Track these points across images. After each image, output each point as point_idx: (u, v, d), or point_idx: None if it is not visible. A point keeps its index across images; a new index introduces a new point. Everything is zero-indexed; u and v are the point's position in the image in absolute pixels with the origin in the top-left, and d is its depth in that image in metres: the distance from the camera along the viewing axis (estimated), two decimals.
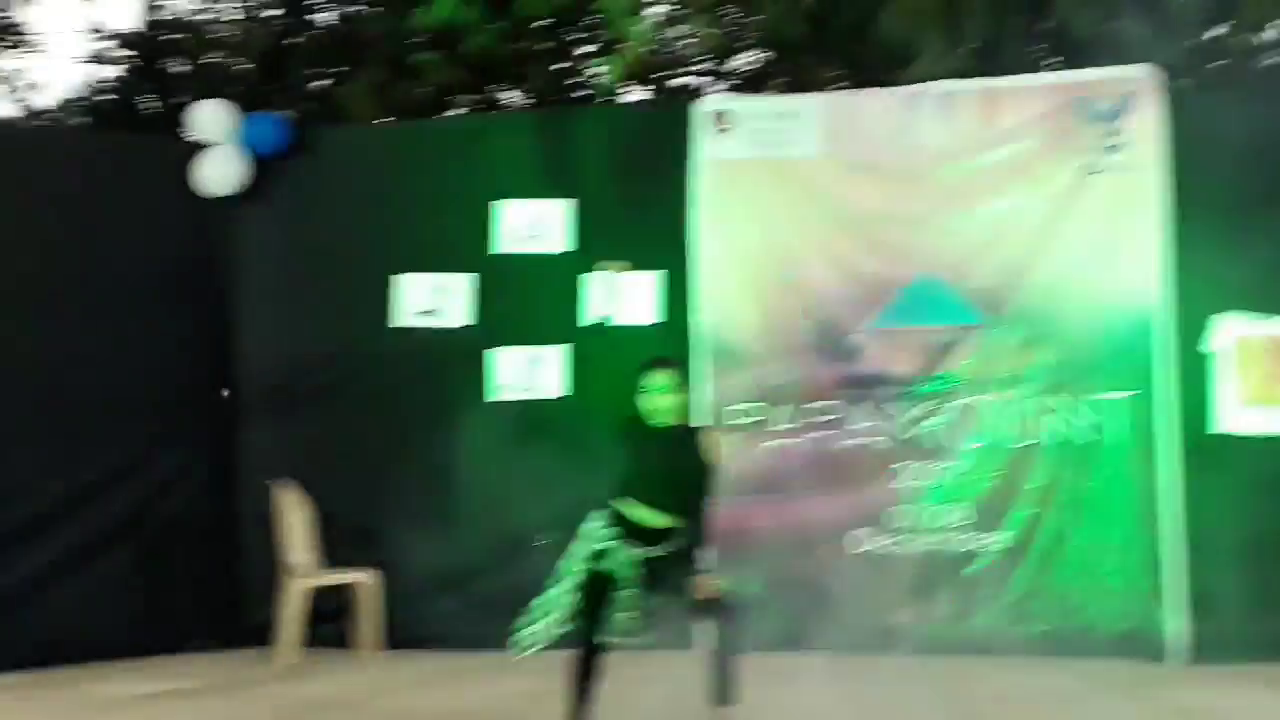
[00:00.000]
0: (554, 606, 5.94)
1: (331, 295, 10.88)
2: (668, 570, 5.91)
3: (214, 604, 10.53)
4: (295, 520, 10.00)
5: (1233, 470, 9.45)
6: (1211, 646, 9.26)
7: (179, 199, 10.70)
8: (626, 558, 5.87)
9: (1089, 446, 9.76)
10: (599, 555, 5.88)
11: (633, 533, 5.90)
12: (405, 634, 10.20)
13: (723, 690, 5.84)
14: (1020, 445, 9.87)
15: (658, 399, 6.02)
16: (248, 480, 10.82)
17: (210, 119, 10.94)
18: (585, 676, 5.87)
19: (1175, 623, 9.45)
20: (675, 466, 5.99)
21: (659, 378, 6.05)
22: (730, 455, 6.13)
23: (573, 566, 5.98)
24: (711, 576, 5.88)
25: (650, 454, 5.96)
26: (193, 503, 10.56)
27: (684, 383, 6.18)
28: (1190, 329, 9.64)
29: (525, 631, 6.02)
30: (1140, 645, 9.46)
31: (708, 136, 10.55)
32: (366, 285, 10.84)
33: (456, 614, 10.42)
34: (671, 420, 6.05)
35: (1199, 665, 9.15)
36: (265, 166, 11.07)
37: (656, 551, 5.91)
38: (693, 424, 6.25)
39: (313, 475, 10.34)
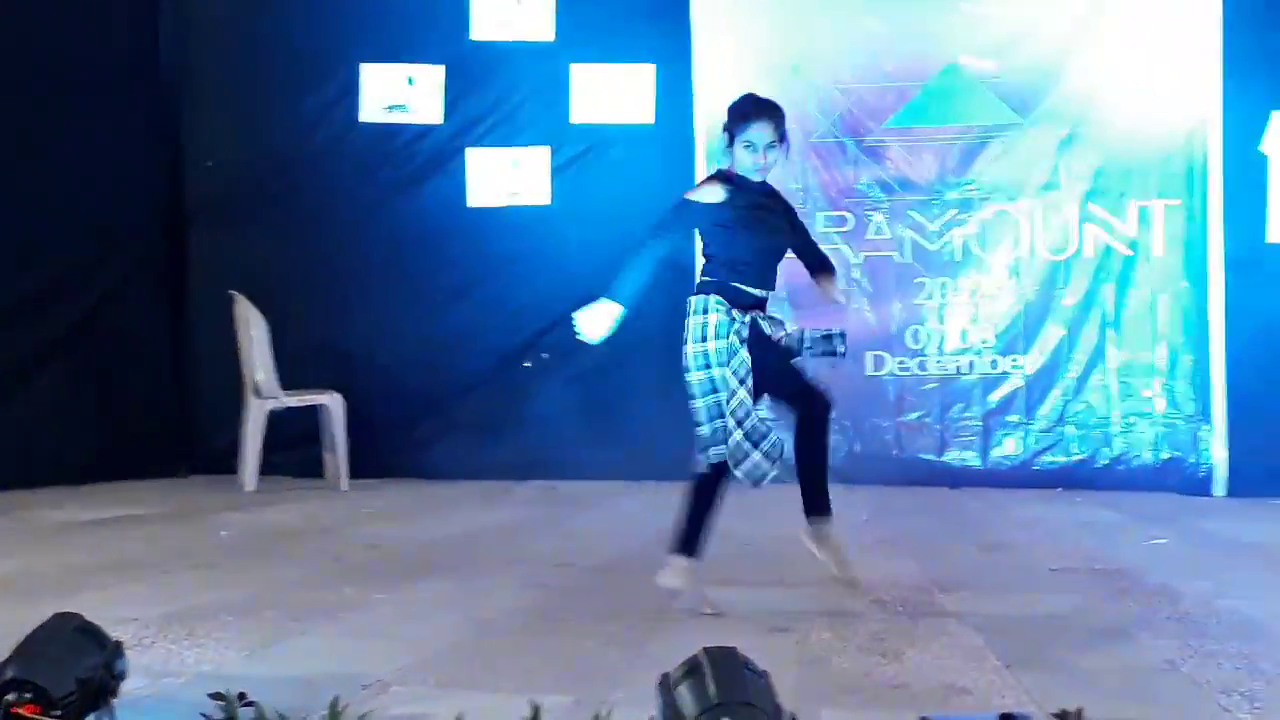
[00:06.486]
0: (756, 432, 4.76)
1: (290, 88, 10.01)
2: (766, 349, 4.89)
3: (166, 427, 9.88)
4: (256, 335, 9.13)
5: None
6: (1252, 477, 8.77)
7: None
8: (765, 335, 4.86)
9: (1131, 259, 9.19)
10: (755, 330, 4.82)
11: (753, 306, 4.89)
12: (372, 462, 9.49)
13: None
14: (1055, 257, 9.29)
15: (763, 158, 4.90)
16: (199, 293, 10.07)
17: None
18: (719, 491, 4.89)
19: (1219, 451, 8.98)
20: (780, 230, 5.04)
21: (765, 130, 4.91)
22: None
23: (730, 376, 4.79)
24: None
25: (756, 219, 4.93)
26: (139, 317, 9.83)
27: (785, 133, 5.03)
28: (1246, 129, 8.91)
29: (748, 463, 4.77)
30: (1180, 476, 9.00)
31: None
32: (329, 77, 10.00)
33: (428, 442, 9.78)
34: (763, 178, 4.98)
35: (1240, 498, 8.67)
36: None
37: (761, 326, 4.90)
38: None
39: (270, 289, 9.46)
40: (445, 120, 9.94)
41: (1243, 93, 8.93)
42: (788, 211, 5.19)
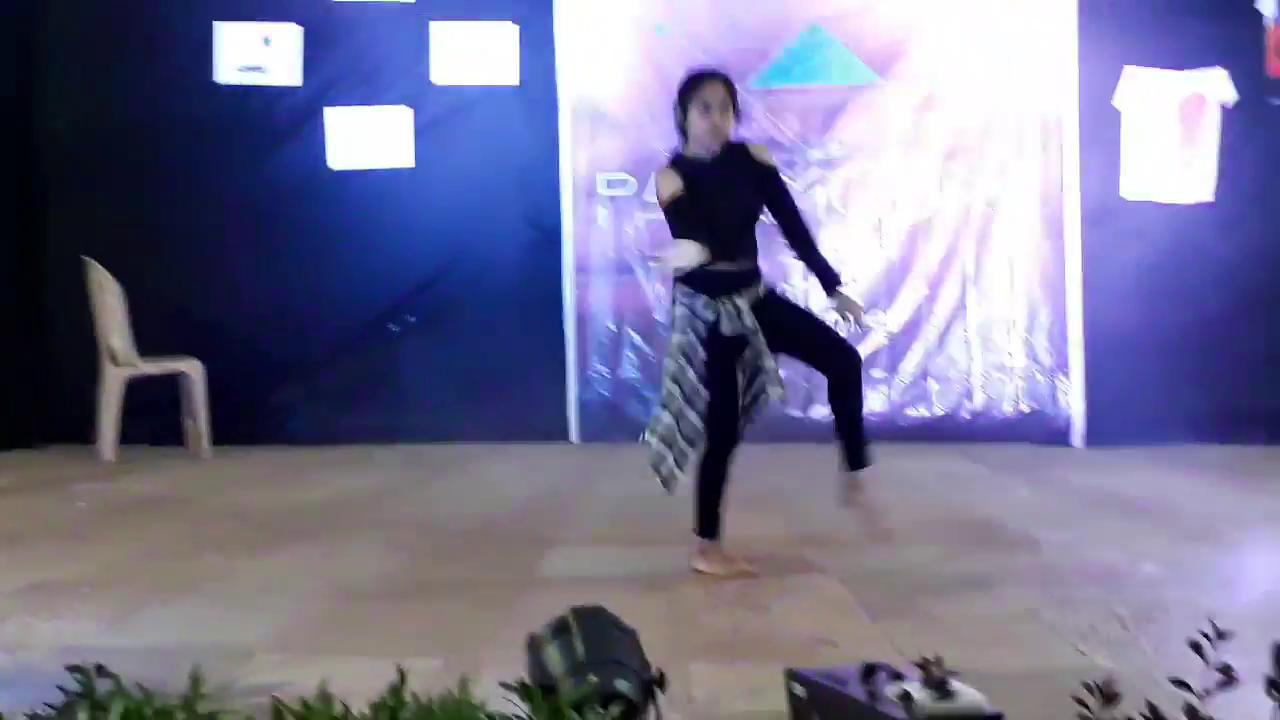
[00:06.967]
0: (679, 429, 4.73)
1: (142, 47, 9.67)
2: (777, 312, 4.86)
3: (19, 396, 9.57)
4: (111, 302, 8.89)
5: (1139, 241, 9.06)
6: (1108, 427, 9.00)
7: None
8: (738, 311, 4.70)
9: (990, 215, 9.36)
10: (715, 326, 4.69)
11: (726, 284, 4.71)
12: (232, 429, 9.27)
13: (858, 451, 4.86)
14: (916, 215, 9.42)
15: (719, 118, 4.74)
16: (52, 259, 9.74)
17: None
18: (725, 472, 4.86)
19: (1076, 403, 9.21)
20: (745, 195, 4.86)
21: (718, 90, 4.76)
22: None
23: (682, 362, 4.72)
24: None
25: (716, 190, 4.75)
26: None
27: (737, 97, 4.86)
28: (1099, 84, 9.11)
29: (664, 467, 4.75)
30: (1040, 428, 9.20)
31: None
32: (182, 36, 9.69)
33: (291, 408, 9.64)
34: (719, 144, 4.80)
35: (1097, 447, 8.90)
36: None
37: (757, 294, 4.80)
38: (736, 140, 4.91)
39: (125, 255, 9.18)
40: (303, 81, 9.74)
41: (1096, 48, 9.10)
42: (758, 171, 4.90)
